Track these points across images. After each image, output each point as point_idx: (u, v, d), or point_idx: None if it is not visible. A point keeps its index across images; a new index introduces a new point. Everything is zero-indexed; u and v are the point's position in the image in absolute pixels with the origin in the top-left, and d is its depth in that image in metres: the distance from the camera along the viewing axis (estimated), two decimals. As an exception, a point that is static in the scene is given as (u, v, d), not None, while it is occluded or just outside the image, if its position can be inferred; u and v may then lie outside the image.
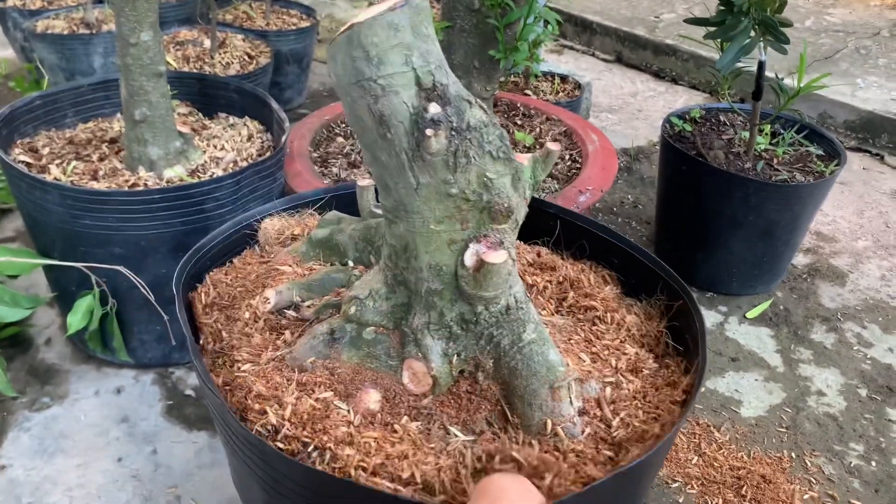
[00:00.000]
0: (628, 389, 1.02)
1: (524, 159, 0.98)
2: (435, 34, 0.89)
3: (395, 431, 0.96)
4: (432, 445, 0.95)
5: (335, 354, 1.04)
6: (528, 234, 1.30)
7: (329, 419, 0.96)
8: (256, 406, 0.98)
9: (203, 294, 1.20)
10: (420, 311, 1.01)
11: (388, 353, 1.03)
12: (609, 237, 1.28)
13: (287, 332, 1.11)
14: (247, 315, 1.14)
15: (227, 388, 1.02)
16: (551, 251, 1.32)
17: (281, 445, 0.93)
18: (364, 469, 0.89)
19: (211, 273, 1.25)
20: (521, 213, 0.98)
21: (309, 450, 0.92)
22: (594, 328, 1.15)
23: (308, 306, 1.14)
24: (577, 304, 1.18)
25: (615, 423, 0.97)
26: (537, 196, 1.40)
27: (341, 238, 1.23)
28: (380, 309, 1.04)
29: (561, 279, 1.22)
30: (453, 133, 0.89)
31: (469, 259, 0.95)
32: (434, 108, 0.88)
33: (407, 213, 0.94)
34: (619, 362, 1.07)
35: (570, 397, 0.98)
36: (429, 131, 0.88)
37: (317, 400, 0.98)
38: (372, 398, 1.00)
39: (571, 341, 1.12)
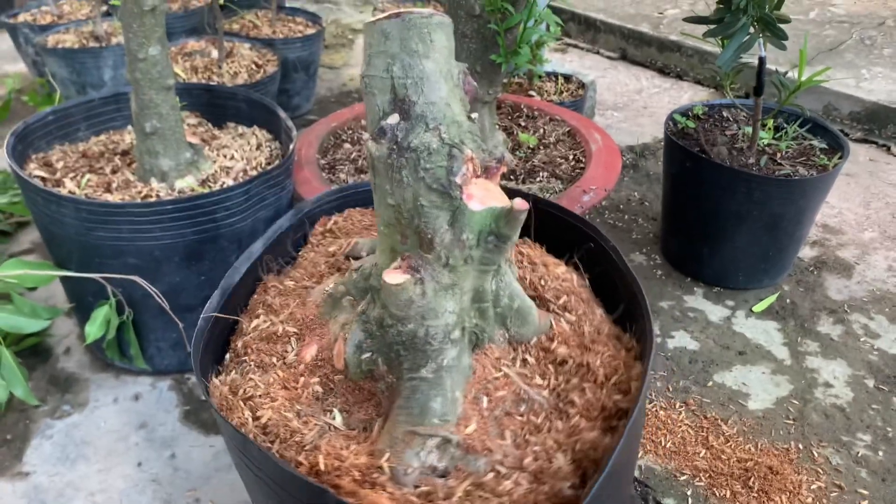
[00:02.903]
0: (505, 488, 0.95)
1: (480, 205, 0.96)
2: (433, 53, 0.92)
3: (296, 383, 1.09)
4: (302, 409, 1.05)
5: (322, 303, 1.17)
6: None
7: (274, 347, 1.14)
8: (259, 311, 1.21)
9: (331, 222, 1.39)
10: (366, 299, 1.10)
11: (343, 324, 1.12)
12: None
13: (336, 275, 1.25)
14: (332, 249, 1.31)
15: (265, 287, 1.26)
16: (628, 335, 1.19)
17: (238, 345, 1.16)
18: (244, 392, 1.07)
19: (353, 209, 1.42)
20: (454, 254, 0.98)
21: (241, 357, 1.14)
22: (556, 423, 1.05)
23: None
24: (568, 393, 1.09)
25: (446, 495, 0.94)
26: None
27: None
28: (357, 284, 1.12)
29: (583, 363, 1.12)
30: (394, 147, 0.93)
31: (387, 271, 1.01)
32: (392, 119, 0.94)
33: None
34: (532, 463, 0.98)
35: (423, 450, 0.97)
36: (366, 135, 0.97)
37: (284, 330, 1.16)
38: (310, 352, 1.13)
39: (521, 417, 1.05)
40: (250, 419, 1.03)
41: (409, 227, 0.99)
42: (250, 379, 1.09)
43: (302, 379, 1.10)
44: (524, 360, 1.14)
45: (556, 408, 1.07)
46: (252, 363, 1.13)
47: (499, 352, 1.13)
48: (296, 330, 1.16)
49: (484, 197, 0.97)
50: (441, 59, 0.94)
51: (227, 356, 1.18)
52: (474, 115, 1.02)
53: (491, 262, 1.03)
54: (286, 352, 1.14)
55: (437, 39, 0.92)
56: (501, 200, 0.99)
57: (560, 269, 1.27)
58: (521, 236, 1.38)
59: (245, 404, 1.05)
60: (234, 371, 1.13)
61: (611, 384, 1.08)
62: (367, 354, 1.07)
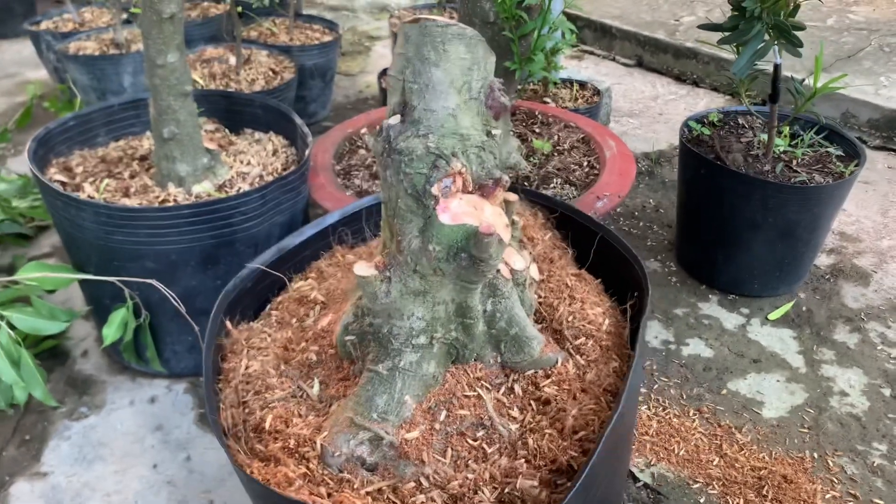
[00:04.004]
0: (416, 501, 0.96)
1: (452, 220, 0.96)
2: (444, 63, 0.93)
3: (297, 346, 1.18)
4: (287, 370, 1.15)
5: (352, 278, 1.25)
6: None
7: (299, 309, 1.25)
8: (311, 275, 1.34)
9: None
10: None
11: (353, 303, 1.18)
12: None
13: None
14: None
15: (331, 255, 1.39)
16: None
17: (277, 300, 1.30)
18: (252, 342, 1.19)
19: None
20: (422, 262, 1.00)
21: (272, 311, 1.26)
22: (503, 459, 1.03)
23: None
24: (528, 434, 1.06)
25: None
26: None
27: None
28: None
29: (563, 409, 1.09)
30: (386, 146, 0.96)
31: None
32: (393, 119, 0.97)
33: None
34: (456, 488, 0.97)
35: (353, 438, 1.01)
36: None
37: (314, 297, 1.26)
38: (324, 322, 1.20)
39: (473, 441, 1.05)
40: (243, 366, 1.12)
41: (390, 226, 1.02)
42: (264, 331, 1.19)
43: (303, 344, 1.17)
44: (511, 389, 1.12)
45: (513, 444, 1.05)
46: (275, 319, 1.23)
47: (484, 372, 1.13)
48: (323, 299, 1.24)
49: (463, 213, 0.97)
50: (454, 69, 0.94)
51: (267, 308, 1.29)
52: (496, 132, 1.01)
53: (469, 279, 1.02)
54: (307, 316, 1.22)
55: (452, 50, 0.93)
56: (484, 220, 0.97)
57: (596, 310, 1.24)
58: (580, 267, 1.36)
59: (247, 352, 1.15)
60: (260, 322, 1.23)
61: (575, 438, 1.03)
62: (351, 337, 1.11)
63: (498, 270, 1.08)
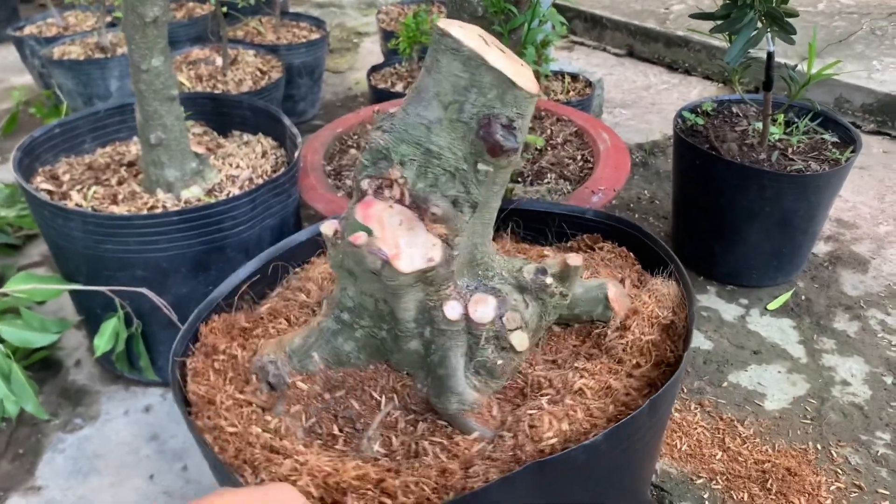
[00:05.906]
0: (271, 424, 1.01)
1: (363, 219, 0.96)
2: (434, 73, 0.91)
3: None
4: (326, 286, 1.30)
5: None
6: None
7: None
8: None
9: None
10: None
11: None
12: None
13: None
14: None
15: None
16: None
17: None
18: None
19: None
20: (344, 240, 1.02)
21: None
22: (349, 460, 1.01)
23: None
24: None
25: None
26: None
27: None
28: None
29: (414, 469, 1.02)
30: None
31: None
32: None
33: None
34: (291, 449, 0.98)
35: (269, 356, 1.11)
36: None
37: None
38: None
39: (333, 432, 1.05)
40: (312, 270, 1.34)
41: None
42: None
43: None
44: (415, 421, 1.06)
45: (352, 459, 0.98)
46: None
47: (406, 389, 1.11)
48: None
49: (376, 219, 0.95)
50: (445, 83, 0.91)
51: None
52: (484, 168, 0.94)
53: (381, 283, 1.00)
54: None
55: (445, 63, 0.90)
56: (383, 233, 0.94)
57: (559, 417, 1.00)
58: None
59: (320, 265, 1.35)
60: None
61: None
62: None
63: (441, 304, 1.00)
